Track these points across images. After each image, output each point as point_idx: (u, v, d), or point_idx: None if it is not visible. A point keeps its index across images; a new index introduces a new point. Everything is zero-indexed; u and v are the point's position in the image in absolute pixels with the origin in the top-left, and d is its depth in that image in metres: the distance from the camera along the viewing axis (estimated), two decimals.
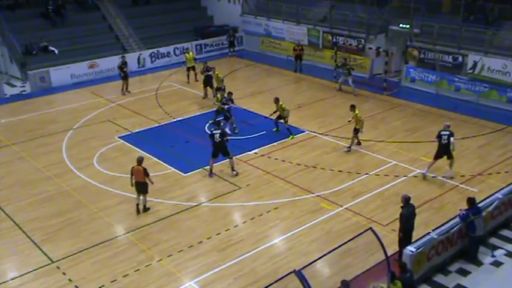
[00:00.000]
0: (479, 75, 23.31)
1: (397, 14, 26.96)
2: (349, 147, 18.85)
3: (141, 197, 15.19)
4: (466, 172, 17.12)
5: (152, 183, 15.07)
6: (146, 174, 14.82)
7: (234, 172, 17.26)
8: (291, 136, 20.06)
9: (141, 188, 15.01)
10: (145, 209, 15.33)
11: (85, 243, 13.91)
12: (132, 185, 15.09)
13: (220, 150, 17.14)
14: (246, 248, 13.56)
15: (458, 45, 24.03)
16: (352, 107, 18.90)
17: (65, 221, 15.02)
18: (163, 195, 16.21)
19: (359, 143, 19.10)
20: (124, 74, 25.64)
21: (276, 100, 20.15)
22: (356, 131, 18.74)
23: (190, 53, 27.78)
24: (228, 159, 17.35)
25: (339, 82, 25.52)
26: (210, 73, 24.13)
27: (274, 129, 20.60)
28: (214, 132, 17.06)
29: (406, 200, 12.55)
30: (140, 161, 14.95)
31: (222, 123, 19.09)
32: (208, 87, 24.61)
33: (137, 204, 15.24)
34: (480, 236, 12.90)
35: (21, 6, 31.36)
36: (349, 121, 19.26)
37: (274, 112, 20.34)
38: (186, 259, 13.19)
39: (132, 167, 14.96)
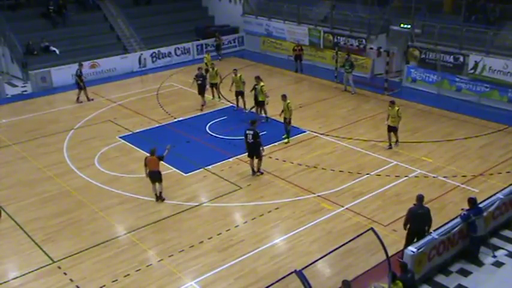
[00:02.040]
0: (480, 75, 23.29)
1: (398, 14, 26.96)
2: (390, 144, 18.82)
3: (157, 186, 15.74)
4: (467, 172, 17.11)
5: (167, 151, 15.76)
6: (160, 159, 15.46)
7: (257, 173, 17.14)
8: (287, 139, 19.70)
9: (156, 176, 15.66)
10: (161, 198, 15.83)
11: (86, 243, 13.93)
12: (146, 176, 15.70)
13: (253, 151, 16.92)
14: (246, 248, 13.57)
15: (459, 45, 24.01)
16: (392, 103, 18.55)
17: (66, 221, 15.04)
18: (164, 195, 16.21)
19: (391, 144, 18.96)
20: (82, 81, 24.85)
21: (284, 97, 19.50)
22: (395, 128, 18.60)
23: (209, 55, 27.52)
24: (256, 159, 17.12)
25: (343, 83, 25.51)
26: (200, 80, 23.07)
27: (284, 139, 19.71)
28: (247, 132, 16.83)
29: (419, 200, 12.48)
30: (153, 151, 15.51)
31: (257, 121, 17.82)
32: (202, 95, 23.33)
33: (155, 194, 15.87)
34: (481, 236, 12.89)
35: (23, 7, 31.44)
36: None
37: (282, 111, 19.65)
38: (187, 259, 13.19)
39: (146, 158, 15.59)
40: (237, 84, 22.69)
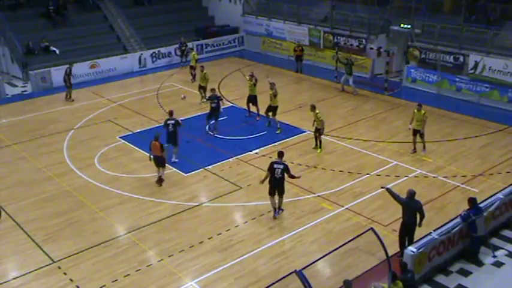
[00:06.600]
0: (480, 75, 23.29)
1: (398, 14, 26.97)
2: (415, 148, 18.44)
3: (160, 170, 16.66)
4: (467, 172, 17.11)
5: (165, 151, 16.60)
6: (162, 149, 16.24)
7: (279, 211, 14.90)
8: (319, 149, 18.86)
9: (158, 161, 16.54)
10: (160, 180, 16.70)
11: (86, 243, 13.92)
12: (150, 160, 16.64)
13: (278, 186, 14.55)
14: (247, 248, 13.57)
15: (459, 45, 24.02)
16: (419, 106, 18.01)
17: (66, 221, 15.03)
18: (164, 195, 16.22)
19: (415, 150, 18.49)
20: (70, 82, 25.00)
21: (313, 108, 18.80)
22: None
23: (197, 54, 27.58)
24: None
25: (341, 82, 25.50)
26: (215, 103, 20.25)
27: (318, 151, 18.82)
28: (275, 166, 14.36)
29: (411, 195, 12.47)
30: (157, 137, 16.39)
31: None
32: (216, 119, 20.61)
33: (159, 176, 16.74)
34: (481, 236, 12.90)
35: (22, 7, 31.37)
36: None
37: (314, 121, 18.77)
38: (187, 259, 13.19)
39: (150, 142, 16.40)
40: (251, 89, 21.61)
